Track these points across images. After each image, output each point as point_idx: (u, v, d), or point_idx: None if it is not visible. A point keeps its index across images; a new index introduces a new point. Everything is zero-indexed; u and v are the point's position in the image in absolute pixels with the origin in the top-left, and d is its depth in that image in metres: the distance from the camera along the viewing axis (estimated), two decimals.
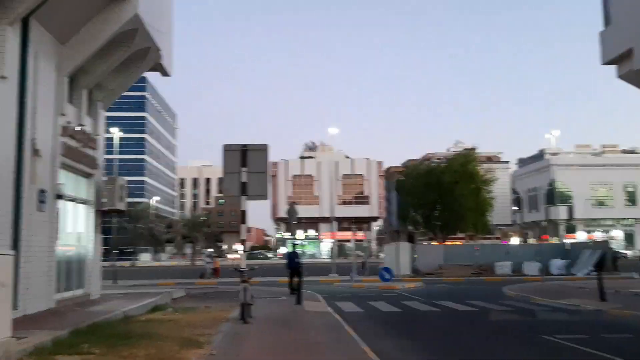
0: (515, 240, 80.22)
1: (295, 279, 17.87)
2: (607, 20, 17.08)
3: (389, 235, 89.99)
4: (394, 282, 26.97)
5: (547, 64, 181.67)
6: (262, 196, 11.45)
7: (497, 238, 78.59)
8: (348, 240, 74.16)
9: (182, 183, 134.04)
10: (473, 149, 57.80)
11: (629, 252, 61.52)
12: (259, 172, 11.19)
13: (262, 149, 11.40)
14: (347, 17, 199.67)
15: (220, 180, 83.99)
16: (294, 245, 21.19)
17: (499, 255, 37.07)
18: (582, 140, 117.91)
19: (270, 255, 79.88)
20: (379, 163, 77.79)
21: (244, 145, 11.17)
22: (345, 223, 72.73)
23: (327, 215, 70.88)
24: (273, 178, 77.14)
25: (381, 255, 65.77)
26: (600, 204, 79.09)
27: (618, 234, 76.10)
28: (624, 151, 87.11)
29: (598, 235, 75.28)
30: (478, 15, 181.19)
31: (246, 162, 10.96)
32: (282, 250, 71.99)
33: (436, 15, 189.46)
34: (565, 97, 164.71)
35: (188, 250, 79.97)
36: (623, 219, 79.00)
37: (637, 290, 18.69)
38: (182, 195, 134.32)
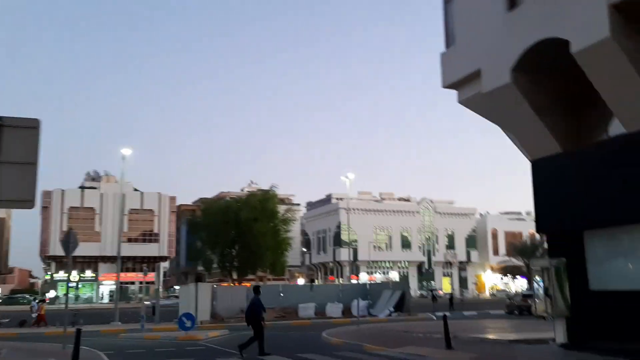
0: (301, 281, 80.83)
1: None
2: (450, 40, 16.32)
3: (176, 277, 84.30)
4: (194, 330, 23.13)
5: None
6: (26, 202, 5.97)
7: (283, 279, 78.38)
8: (132, 282, 67.09)
9: None
10: (271, 188, 56.68)
11: (440, 292, 65.08)
12: (23, 163, 6.01)
13: (30, 126, 6.17)
14: (138, 38, 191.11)
15: None
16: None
17: (302, 296, 35.30)
18: (367, 186, 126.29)
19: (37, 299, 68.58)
20: (172, 198, 72.56)
21: None
22: (130, 263, 65.72)
23: (109, 253, 63.42)
24: (45, 210, 67.01)
25: (165, 302, 60.38)
26: (381, 247, 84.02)
27: (395, 275, 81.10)
28: (400, 199, 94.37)
29: (378, 276, 79.46)
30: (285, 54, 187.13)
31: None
32: (52, 294, 62.15)
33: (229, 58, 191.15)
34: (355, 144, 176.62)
35: None
36: (399, 261, 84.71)
37: (478, 335, 17.73)
38: None
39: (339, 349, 15.95)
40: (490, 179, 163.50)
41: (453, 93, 16.45)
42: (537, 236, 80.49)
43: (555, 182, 14.69)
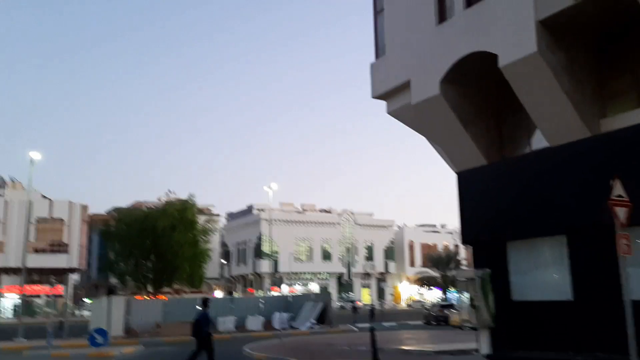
0: (219, 294, 79.13)
1: None
2: (380, 50, 16.30)
3: (86, 290, 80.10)
4: (107, 347, 21.70)
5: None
6: None
7: (200, 292, 76.46)
8: (38, 296, 62.90)
9: None
10: (190, 198, 54.93)
11: (359, 303, 64.96)
12: None
13: None
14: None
15: None
16: None
17: (222, 309, 34.26)
18: (288, 197, 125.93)
19: None
20: (84, 207, 68.83)
21: None
22: (36, 275, 61.59)
23: (13, 265, 59.17)
24: None
25: (78, 313, 57.13)
26: (301, 258, 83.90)
27: (315, 287, 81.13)
28: (322, 210, 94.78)
29: (298, 288, 79.21)
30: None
31: None
32: None
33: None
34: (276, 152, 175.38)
35: None
36: (320, 272, 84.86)
37: (402, 347, 17.63)
38: None
39: None
40: (408, 191, 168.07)
41: (381, 105, 16.45)
42: (452, 248, 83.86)
43: (479, 193, 14.93)
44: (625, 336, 11.27)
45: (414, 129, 16.03)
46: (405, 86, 15.25)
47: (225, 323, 32.47)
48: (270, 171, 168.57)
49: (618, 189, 9.35)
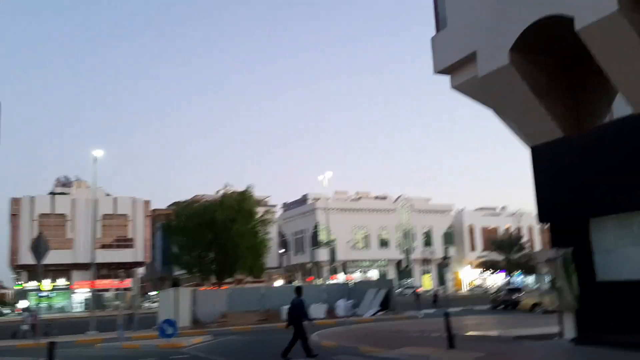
0: (279, 283, 79.85)
1: None
2: (441, 23, 15.53)
3: (152, 282, 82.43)
4: (176, 337, 21.93)
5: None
6: None
7: (262, 281, 77.31)
8: (107, 290, 65.08)
9: None
10: (248, 189, 55.22)
11: (420, 290, 64.21)
12: None
13: None
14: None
15: None
16: None
17: (285, 298, 34.25)
18: (343, 186, 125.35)
19: (5, 310, 66.19)
20: (147, 202, 70.53)
21: None
22: (104, 270, 63.71)
23: (82, 261, 61.34)
24: (13, 217, 64.57)
25: (145, 305, 58.73)
26: (359, 246, 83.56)
27: (374, 274, 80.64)
28: (377, 197, 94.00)
29: (357, 276, 78.95)
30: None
31: None
32: (23, 304, 59.87)
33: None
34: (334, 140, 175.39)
35: None
36: (378, 260, 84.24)
37: (476, 333, 16.94)
38: None
39: (334, 352, 15.05)
40: (467, 175, 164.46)
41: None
42: (514, 230, 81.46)
43: (556, 168, 14.04)
44: None
45: (481, 103, 15.23)
46: (470, 58, 14.46)
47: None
48: (324, 161, 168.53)
49: None
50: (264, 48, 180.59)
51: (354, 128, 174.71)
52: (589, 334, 12.83)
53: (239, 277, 59.27)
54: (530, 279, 72.69)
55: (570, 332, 13.39)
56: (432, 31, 16.05)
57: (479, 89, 14.70)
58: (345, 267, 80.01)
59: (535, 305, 28.46)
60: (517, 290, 37.27)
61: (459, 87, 15.25)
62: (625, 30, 10.94)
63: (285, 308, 32.37)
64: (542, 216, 14.49)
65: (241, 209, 52.04)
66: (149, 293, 73.31)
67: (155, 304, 44.65)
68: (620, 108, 12.89)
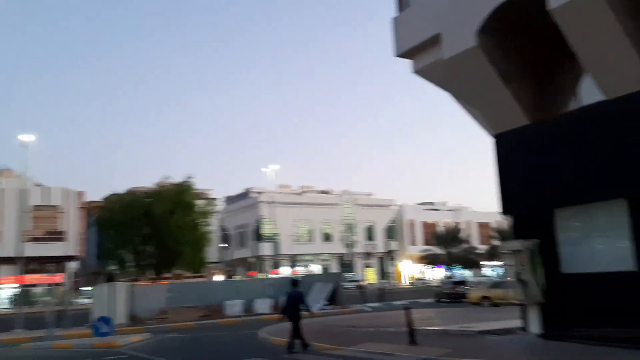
0: (219, 278, 78.23)
1: None
2: (403, 3, 14.70)
3: (85, 277, 78.81)
4: (112, 336, 20.34)
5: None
6: None
7: (202, 276, 75.50)
8: (36, 285, 61.52)
9: None
10: (187, 180, 53.18)
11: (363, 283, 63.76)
12: None
13: None
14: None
15: None
16: None
17: (228, 293, 33.03)
18: (286, 180, 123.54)
19: None
20: (80, 193, 67.02)
21: None
22: (34, 264, 60.11)
23: (10, 254, 57.61)
24: None
25: (78, 301, 55.79)
26: (302, 240, 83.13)
27: (317, 268, 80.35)
28: (321, 191, 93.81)
29: (300, 269, 78.32)
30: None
31: None
32: None
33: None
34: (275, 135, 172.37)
35: None
36: (321, 254, 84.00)
37: (436, 327, 16.27)
38: None
39: (286, 351, 14.05)
40: (408, 170, 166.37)
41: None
42: (452, 225, 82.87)
43: (521, 157, 13.56)
44: None
45: (444, 88, 14.57)
46: (434, 41, 13.75)
47: (233, 307, 31.27)
48: (269, 155, 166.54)
49: None
50: (204, 37, 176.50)
51: (299, 121, 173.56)
52: (554, 327, 12.39)
53: (177, 272, 57.32)
54: (468, 273, 74.14)
55: (535, 326, 12.92)
56: (392, 12, 15.27)
57: (442, 74, 14.03)
58: (288, 261, 79.30)
59: (483, 298, 28.41)
60: (463, 283, 37.39)
61: (421, 71, 14.53)
62: (601, 10, 10.45)
63: (228, 303, 31.36)
64: (506, 207, 13.96)
65: (180, 200, 50.10)
66: (81, 288, 70.04)
67: (89, 300, 42.28)
68: (589, 95, 12.48)
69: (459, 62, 13.21)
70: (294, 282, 15.06)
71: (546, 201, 12.92)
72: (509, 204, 13.84)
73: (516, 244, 12.77)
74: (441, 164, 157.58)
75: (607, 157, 11.66)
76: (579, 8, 10.71)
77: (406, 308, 13.32)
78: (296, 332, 13.98)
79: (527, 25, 12.64)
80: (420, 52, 14.29)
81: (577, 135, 12.35)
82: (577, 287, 12.22)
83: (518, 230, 13.75)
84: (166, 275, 53.33)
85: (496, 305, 26.84)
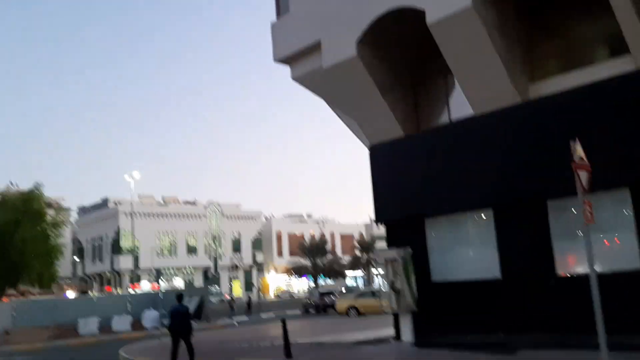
0: (71, 294, 72.68)
1: None
2: (282, 8, 14.36)
3: None
4: None
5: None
6: None
7: (52, 293, 69.64)
8: None
9: None
10: (36, 187, 48.47)
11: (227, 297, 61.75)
12: None
13: None
14: None
15: None
16: None
17: (82, 310, 30.44)
18: (147, 190, 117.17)
19: None
20: None
21: None
22: None
23: None
24: None
25: None
26: (164, 253, 79.90)
27: (180, 282, 77.59)
28: (186, 202, 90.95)
29: (162, 284, 74.94)
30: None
31: None
32: None
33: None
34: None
35: None
36: (184, 267, 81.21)
37: (308, 340, 15.83)
38: None
39: None
40: (276, 181, 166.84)
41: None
42: (318, 236, 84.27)
43: (394, 168, 13.77)
44: (561, 314, 10.65)
45: (322, 97, 14.48)
46: (314, 48, 13.60)
47: (87, 325, 28.81)
48: (130, 163, 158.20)
49: (579, 152, 8.41)
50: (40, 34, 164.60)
51: (165, 131, 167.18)
52: (427, 336, 12.62)
53: (23, 288, 51.97)
54: (331, 282, 75.60)
55: (407, 334, 13.10)
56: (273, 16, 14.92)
57: (321, 82, 13.91)
58: (158, 274, 75.53)
59: (350, 307, 28.80)
60: (330, 293, 37.77)
61: (299, 78, 14.30)
62: (476, 27, 10.87)
63: (82, 322, 28.85)
64: (379, 215, 14.12)
65: (27, 210, 45.49)
66: None
67: None
68: (459, 110, 12.97)
69: (338, 71, 13.16)
70: (179, 296, 13.86)
71: (417, 210, 13.20)
72: (382, 213, 14.00)
73: (391, 253, 12.89)
74: (310, 175, 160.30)
75: (473, 168, 12.14)
76: (454, 24, 11.07)
77: (282, 320, 12.85)
78: (188, 350, 12.78)
79: (406, 38, 12.90)
80: (300, 58, 14.07)
81: (447, 148, 12.78)
82: (447, 295, 12.57)
83: (391, 239, 13.92)
84: (10, 292, 48.10)
85: (363, 314, 27.36)
